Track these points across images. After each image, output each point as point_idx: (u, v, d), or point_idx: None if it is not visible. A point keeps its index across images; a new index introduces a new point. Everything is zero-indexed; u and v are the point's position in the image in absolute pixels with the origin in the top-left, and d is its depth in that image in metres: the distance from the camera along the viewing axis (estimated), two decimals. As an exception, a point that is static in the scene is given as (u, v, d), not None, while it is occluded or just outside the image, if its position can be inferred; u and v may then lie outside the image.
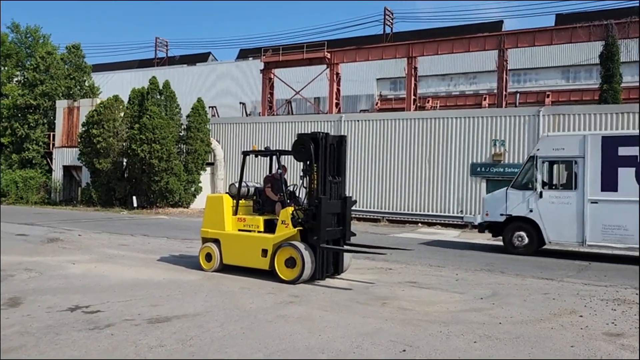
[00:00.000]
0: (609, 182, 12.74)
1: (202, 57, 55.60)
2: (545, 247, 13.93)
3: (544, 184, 13.59)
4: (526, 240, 13.68)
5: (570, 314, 7.09)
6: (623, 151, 12.68)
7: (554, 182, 13.88)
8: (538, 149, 13.89)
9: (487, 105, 34.77)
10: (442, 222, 22.28)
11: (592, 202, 12.86)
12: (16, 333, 5.60)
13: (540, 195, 13.45)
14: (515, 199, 13.90)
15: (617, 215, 12.58)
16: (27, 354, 4.95)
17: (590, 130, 19.71)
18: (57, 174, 31.83)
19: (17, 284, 8.16)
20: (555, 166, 13.88)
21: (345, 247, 9.19)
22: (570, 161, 13.36)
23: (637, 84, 30.83)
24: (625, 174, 12.52)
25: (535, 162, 13.61)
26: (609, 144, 12.93)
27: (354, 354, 5.15)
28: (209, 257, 9.61)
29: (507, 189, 14.24)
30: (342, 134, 24.14)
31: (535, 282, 9.56)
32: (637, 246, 12.43)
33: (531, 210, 13.57)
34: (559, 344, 5.66)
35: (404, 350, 5.29)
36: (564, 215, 13.11)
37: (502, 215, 14.08)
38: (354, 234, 9.50)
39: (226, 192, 9.96)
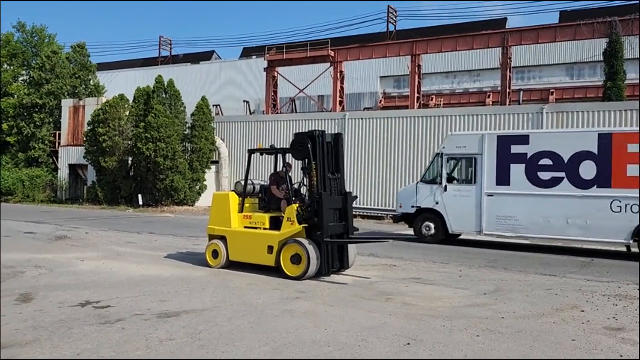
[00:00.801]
0: (503, 177, 14.09)
1: (206, 56, 55.79)
2: (547, 243, 14.21)
3: (448, 179, 14.91)
4: (433, 229, 15.05)
5: (572, 308, 7.20)
6: (515, 149, 14.00)
7: (457, 177, 15.17)
8: (444, 147, 15.34)
9: (490, 102, 34.83)
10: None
11: (488, 195, 14.22)
12: (29, 327, 5.74)
13: (445, 189, 14.85)
14: (424, 192, 15.31)
15: (509, 207, 13.93)
16: (41, 347, 5.09)
17: (595, 126, 19.85)
18: (63, 173, 32.06)
19: (28, 280, 8.31)
20: (458, 162, 15.17)
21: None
22: (470, 158, 14.68)
23: (639, 81, 30.80)
24: (516, 170, 13.87)
25: (441, 159, 15.03)
26: (503, 143, 14.28)
27: (359, 347, 5.27)
28: (215, 253, 9.76)
29: (417, 183, 15.91)
30: (346, 131, 24.36)
31: (537, 278, 9.67)
32: (527, 235, 13.92)
33: (437, 203, 14.98)
34: (560, 338, 5.77)
35: (408, 344, 5.41)
36: (465, 207, 14.48)
37: (412, 207, 15.48)
38: (357, 229, 9.64)
39: (232, 190, 10.10)
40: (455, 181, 15.03)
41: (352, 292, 7.91)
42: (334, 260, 9.08)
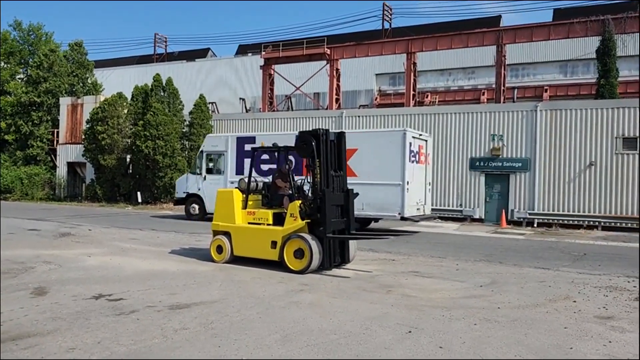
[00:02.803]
0: (240, 168, 18.73)
1: (201, 53, 55.86)
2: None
3: (207, 170, 19.83)
4: (197, 210, 19.84)
5: (565, 299, 7.53)
6: (247, 147, 17.89)
7: (213, 169, 19.80)
8: (204, 146, 20.42)
9: (485, 100, 35.16)
10: (442, 215, 22.71)
11: (230, 182, 18.62)
12: (48, 318, 6.02)
13: (205, 179, 19.80)
14: (191, 181, 20.27)
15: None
16: (62, 336, 5.36)
17: (589, 125, 20.38)
18: (62, 171, 32.23)
19: (40, 275, 8.57)
20: (213, 158, 19.80)
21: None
22: (220, 154, 19.52)
23: (634, 78, 31.25)
24: (248, 163, 16.77)
25: (202, 155, 20.18)
26: (240, 142, 19.01)
27: (364, 335, 5.58)
28: (220, 249, 10.04)
29: (187, 174, 20.97)
30: (344, 129, 24.60)
31: (532, 271, 10.01)
32: None
33: (199, 189, 19.83)
34: (552, 326, 6.10)
35: (410, 332, 5.73)
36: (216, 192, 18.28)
37: (184, 192, 20.43)
38: (358, 225, 9.93)
39: (236, 187, 10.38)
40: (212, 172, 19.73)
41: (354, 285, 8.22)
42: (335, 255, 9.38)
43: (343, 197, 9.50)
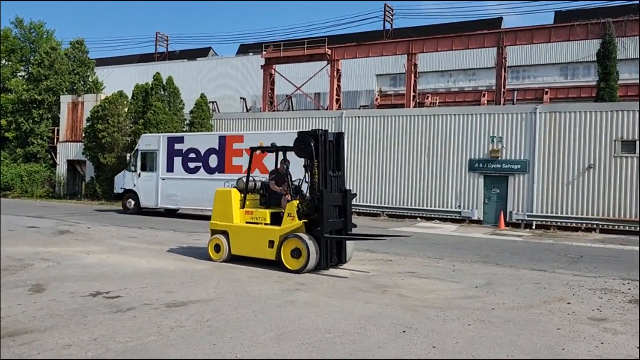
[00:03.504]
0: (170, 166, 20.30)
1: (203, 52, 55.92)
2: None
3: (142, 168, 21.15)
4: (133, 204, 21.31)
5: (559, 301, 7.58)
6: (177, 146, 20.26)
7: (147, 167, 21.09)
8: (139, 145, 21.78)
9: (486, 101, 35.22)
10: (441, 216, 22.79)
11: (162, 179, 20.45)
12: (46, 315, 6.07)
13: (139, 175, 21.18)
14: (128, 177, 21.68)
15: (172, 187, 20.23)
16: (59, 333, 5.41)
17: (588, 127, 20.45)
18: (61, 168, 32.26)
19: (38, 272, 8.62)
20: (147, 156, 21.15)
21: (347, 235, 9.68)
22: (153, 152, 20.91)
23: (633, 81, 31.28)
24: (177, 161, 20.16)
25: (137, 153, 21.46)
26: (170, 141, 20.59)
27: (358, 334, 5.63)
28: (217, 248, 10.09)
29: (124, 171, 22.17)
30: (343, 130, 24.68)
31: (528, 272, 10.06)
32: (182, 207, 20.42)
33: (135, 185, 21.28)
34: (546, 327, 6.15)
35: (404, 331, 5.78)
36: (150, 188, 20.72)
37: (121, 188, 21.95)
38: (355, 226, 9.99)
39: (234, 187, 10.43)
40: (145, 170, 21.02)
41: (350, 285, 8.27)
42: (332, 255, 9.44)
43: (341, 198, 9.55)
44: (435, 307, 6.92)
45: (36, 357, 4.70)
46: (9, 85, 34.42)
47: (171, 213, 21.50)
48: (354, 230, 9.97)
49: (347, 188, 9.85)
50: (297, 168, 10.25)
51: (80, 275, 8.47)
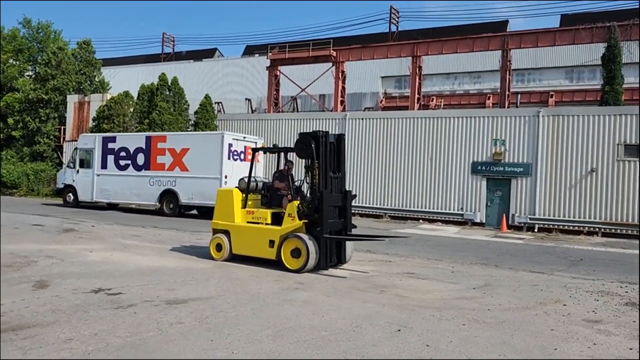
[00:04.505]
0: (104, 163, 22.13)
1: (209, 53, 56.22)
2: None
3: (80, 165, 22.94)
4: (72, 199, 23.14)
5: (555, 303, 7.65)
6: (110, 145, 22.02)
7: (85, 164, 22.81)
8: (78, 143, 23.60)
9: (490, 104, 35.27)
10: (443, 219, 22.84)
11: (97, 176, 22.28)
12: (48, 310, 6.20)
13: (78, 172, 22.99)
14: (68, 173, 23.53)
15: (106, 183, 21.99)
16: (61, 328, 5.53)
17: (591, 131, 20.49)
18: (67, 167, 32.49)
19: (42, 268, 8.77)
20: (85, 154, 22.83)
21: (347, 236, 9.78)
22: (90, 151, 22.57)
23: (638, 86, 31.23)
24: (110, 159, 21.95)
25: (76, 151, 23.20)
26: (105, 141, 22.31)
27: (354, 332, 5.73)
28: (219, 247, 10.21)
29: (65, 168, 24.38)
30: (347, 131, 24.78)
31: (526, 275, 10.12)
32: (114, 201, 22.25)
33: (74, 181, 23.09)
34: (540, 328, 6.22)
35: (399, 330, 5.87)
36: (87, 183, 22.53)
37: (63, 184, 23.80)
38: (355, 226, 10.09)
39: (236, 187, 10.55)
40: (83, 166, 22.75)
41: (349, 285, 8.36)
42: (332, 255, 9.53)
43: (341, 199, 9.65)
44: (431, 307, 7.00)
45: (38, 351, 4.82)
46: (17, 85, 34.71)
47: (112, 207, 23.26)
48: (354, 231, 10.07)
49: (347, 189, 9.95)
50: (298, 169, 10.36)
51: (83, 272, 8.60)
